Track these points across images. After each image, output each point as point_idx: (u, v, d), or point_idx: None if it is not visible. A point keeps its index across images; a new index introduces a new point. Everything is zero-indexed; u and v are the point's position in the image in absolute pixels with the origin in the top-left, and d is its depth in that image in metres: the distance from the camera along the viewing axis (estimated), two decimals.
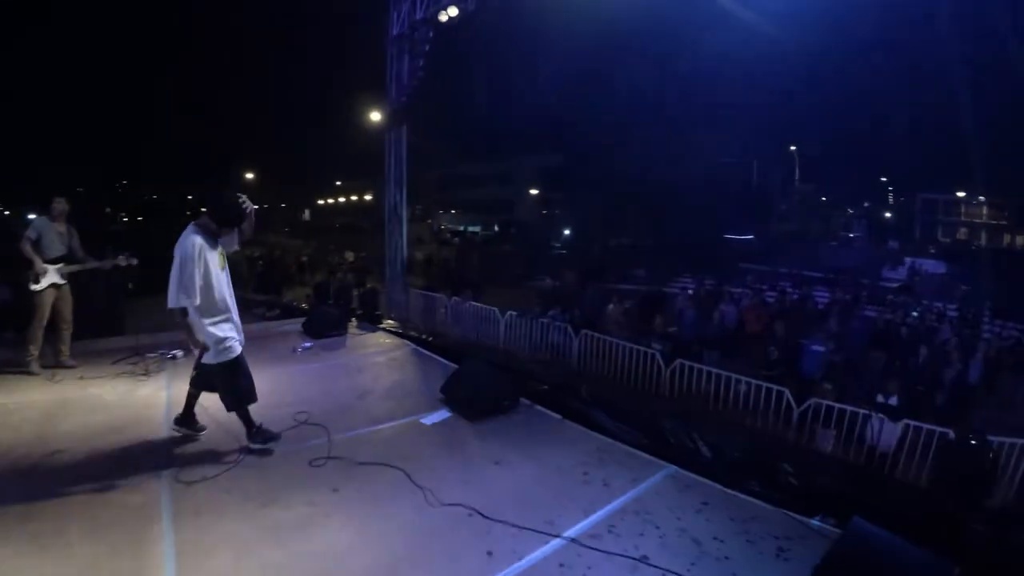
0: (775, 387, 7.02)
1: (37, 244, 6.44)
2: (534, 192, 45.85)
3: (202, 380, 4.83)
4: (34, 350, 6.56)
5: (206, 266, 4.39)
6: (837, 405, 6.73)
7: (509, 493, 4.07)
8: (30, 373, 6.52)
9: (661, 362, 8.11)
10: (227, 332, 4.59)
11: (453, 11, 8.48)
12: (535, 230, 38.87)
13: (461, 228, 48.22)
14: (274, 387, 6.27)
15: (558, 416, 5.60)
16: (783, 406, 6.92)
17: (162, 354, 7.27)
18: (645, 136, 31.80)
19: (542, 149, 40.05)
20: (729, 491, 4.21)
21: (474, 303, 11.03)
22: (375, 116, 11.00)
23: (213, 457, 4.64)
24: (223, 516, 3.79)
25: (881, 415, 6.45)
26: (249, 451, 4.68)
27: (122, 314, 8.92)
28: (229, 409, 4.69)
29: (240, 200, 4.53)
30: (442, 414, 5.57)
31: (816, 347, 8.53)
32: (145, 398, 6.00)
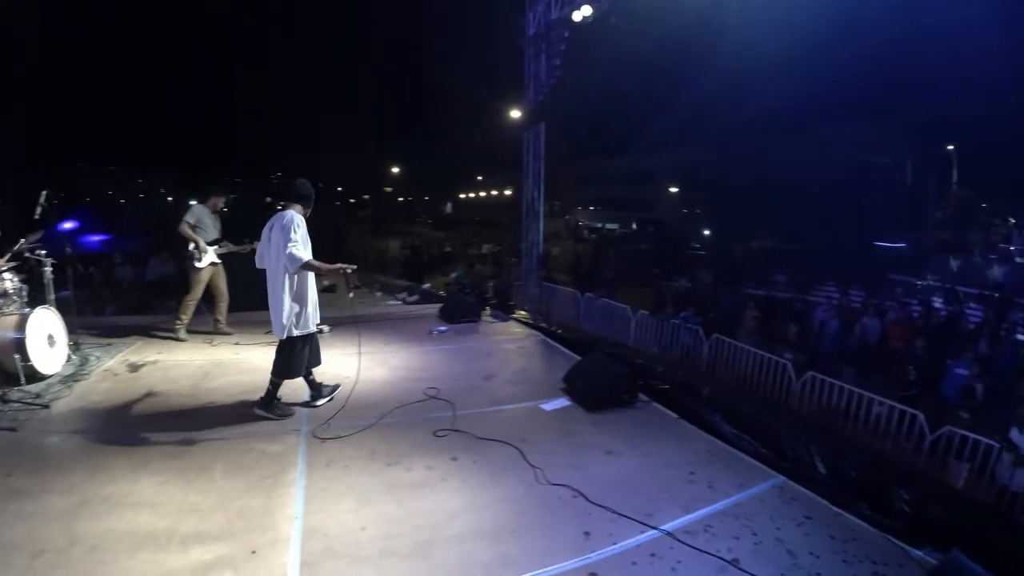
0: (909, 410, 6.60)
1: (195, 227, 7.37)
2: (674, 190, 44.68)
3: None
4: (184, 319, 7.55)
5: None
6: (972, 436, 6.16)
7: (614, 482, 4.18)
8: (178, 339, 7.52)
9: (792, 373, 7.83)
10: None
11: (587, 10, 8.57)
12: (673, 229, 37.78)
13: (598, 225, 47.72)
14: (409, 363, 6.83)
15: (674, 415, 5.61)
16: (915, 431, 6.49)
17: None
18: (793, 132, 30.02)
19: (684, 146, 38.68)
20: (836, 509, 4.08)
21: (606, 300, 11.10)
22: (515, 114, 11.24)
23: (348, 420, 5.11)
24: (350, 470, 4.23)
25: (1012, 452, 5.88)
26: (255, 414, 5.16)
27: None
28: (282, 377, 5.17)
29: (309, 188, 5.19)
30: (562, 402, 5.75)
31: (960, 370, 7.89)
32: None
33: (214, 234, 7.55)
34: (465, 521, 3.61)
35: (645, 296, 13.90)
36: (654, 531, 3.59)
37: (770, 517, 3.88)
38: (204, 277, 7.47)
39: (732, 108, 30.88)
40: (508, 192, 52.89)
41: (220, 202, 7.67)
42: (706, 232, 36.56)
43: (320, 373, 5.97)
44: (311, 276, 5.13)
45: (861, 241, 24.44)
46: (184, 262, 7.60)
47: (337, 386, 5.65)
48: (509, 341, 8.16)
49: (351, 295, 5.91)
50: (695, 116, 32.35)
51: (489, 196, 62.96)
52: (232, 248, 7.58)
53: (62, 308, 6.65)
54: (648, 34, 10.11)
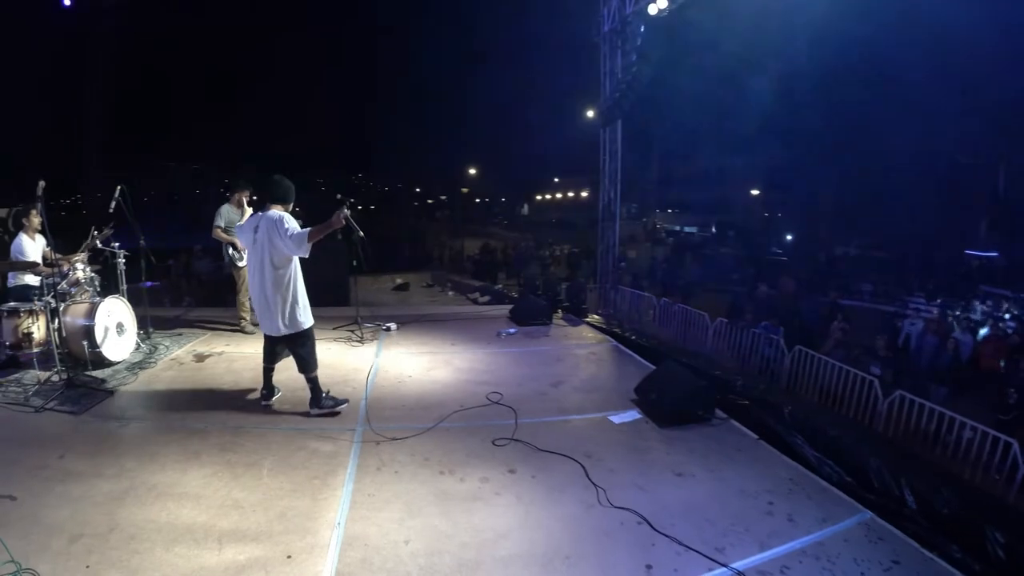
0: (1003, 437, 5.86)
1: (227, 229, 7.37)
2: (755, 193, 42.99)
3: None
4: (246, 315, 7.68)
5: None
6: None
7: (683, 508, 3.80)
8: (245, 332, 7.68)
9: (879, 391, 7.19)
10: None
11: (663, 3, 8.17)
12: (754, 233, 36.32)
13: (676, 228, 46.50)
14: (474, 365, 6.59)
15: (754, 435, 5.14)
16: (1009, 461, 5.76)
17: (378, 325, 8.00)
18: (880, 133, 28.30)
19: (766, 146, 37.02)
20: (927, 553, 3.58)
21: (683, 305, 10.63)
22: (591, 113, 10.92)
23: (405, 422, 4.93)
24: (400, 476, 4.01)
25: None
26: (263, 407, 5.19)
27: (347, 287, 9.82)
28: (313, 370, 5.07)
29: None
30: (632, 414, 5.38)
31: None
32: (355, 361, 6.59)
33: None
34: (516, 542, 3.31)
35: (724, 303, 13.34)
36: (724, 569, 3.20)
37: (855, 560, 3.41)
38: (245, 275, 7.40)
39: (816, 106, 29.33)
40: (585, 194, 52.42)
41: (245, 196, 7.57)
42: (788, 237, 34.81)
43: (383, 370, 5.88)
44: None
45: (950, 249, 22.83)
46: (225, 264, 7.74)
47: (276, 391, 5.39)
48: (580, 346, 7.84)
49: (361, 234, 5.69)
50: (777, 114, 30.79)
51: (565, 198, 62.53)
52: None
53: (136, 298, 6.80)
54: (727, 27, 9.57)
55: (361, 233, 5.71)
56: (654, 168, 43.68)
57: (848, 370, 7.56)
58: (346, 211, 4.77)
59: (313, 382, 5.05)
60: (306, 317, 4.98)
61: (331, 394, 5.17)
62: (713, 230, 42.84)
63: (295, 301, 4.91)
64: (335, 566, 3.07)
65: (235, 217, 7.40)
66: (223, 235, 7.37)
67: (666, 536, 3.43)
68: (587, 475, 4.12)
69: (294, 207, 5.07)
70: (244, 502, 3.64)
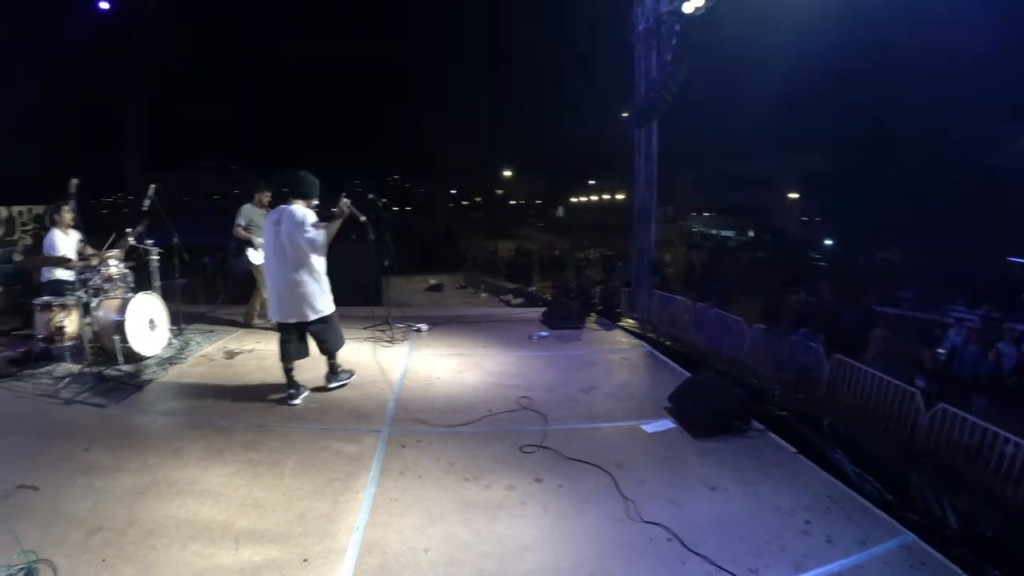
0: None
1: (248, 227, 7.48)
2: (794, 196, 41.99)
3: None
4: (253, 309, 7.89)
5: None
6: None
7: (716, 525, 3.62)
8: (251, 327, 7.85)
9: (921, 403, 6.87)
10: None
11: (699, 1, 7.94)
12: (793, 238, 35.41)
13: (713, 232, 45.65)
14: (505, 368, 6.46)
15: (792, 449, 4.91)
16: None
17: (409, 326, 7.91)
18: (924, 134, 27.32)
19: (806, 149, 35.95)
20: None
21: (719, 310, 10.37)
22: (625, 115, 10.71)
23: (432, 424, 4.84)
24: (424, 481, 3.91)
25: None
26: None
27: (379, 287, 9.79)
28: (335, 353, 5.50)
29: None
30: (665, 423, 5.19)
31: None
32: (385, 362, 6.52)
33: None
34: (539, 555, 3.18)
35: (761, 308, 12.99)
36: None
37: None
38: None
39: (858, 108, 28.52)
40: (620, 196, 51.92)
41: (266, 197, 7.70)
42: (827, 242, 33.84)
43: (411, 371, 5.85)
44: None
45: (992, 256, 21.92)
46: (244, 261, 7.81)
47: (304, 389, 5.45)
48: (613, 351, 7.66)
49: (363, 218, 5.71)
50: (816, 116, 29.91)
51: (601, 200, 61.95)
52: None
53: (170, 295, 6.85)
54: (765, 26, 9.29)
55: (363, 218, 5.71)
56: (690, 170, 42.88)
57: (889, 381, 7.27)
58: (344, 198, 5.10)
59: (334, 361, 5.53)
60: (329, 303, 5.26)
61: (342, 371, 5.63)
62: (750, 234, 41.91)
63: (320, 288, 5.17)
64: (351, 572, 2.99)
65: (256, 217, 7.45)
66: (243, 233, 7.47)
67: (697, 554, 3.26)
68: (617, 486, 3.96)
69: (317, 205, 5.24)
70: (264, 502, 3.60)
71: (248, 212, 7.52)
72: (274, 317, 5.32)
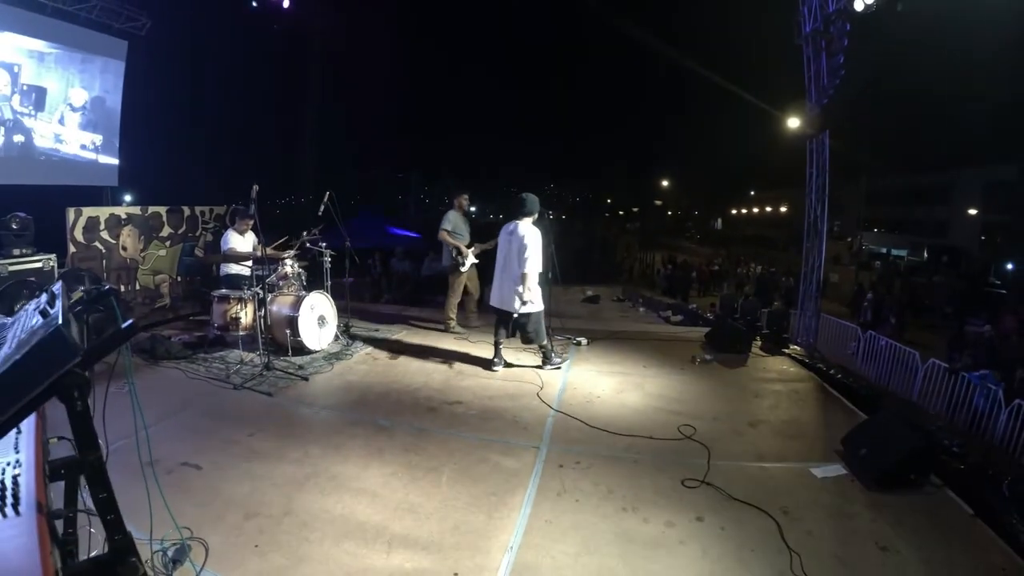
0: None
1: (453, 233, 7.69)
2: (973, 212, 37.07)
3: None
4: (452, 315, 7.99)
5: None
6: None
7: None
8: (449, 332, 7.92)
9: None
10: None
11: None
12: (974, 260, 31.42)
13: (884, 250, 41.48)
14: (666, 392, 6.11)
15: (970, 510, 4.22)
16: None
17: (568, 339, 7.78)
18: None
19: (990, 159, 31.35)
20: None
21: (890, 340, 9.36)
22: (793, 122, 9.89)
23: (592, 445, 4.65)
24: (581, 506, 3.72)
25: None
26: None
27: (543, 297, 9.79)
28: (540, 341, 6.48)
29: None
30: (836, 469, 4.65)
31: None
32: (544, 375, 6.40)
33: (468, 237, 7.84)
34: None
35: (938, 340, 11.59)
36: None
37: None
38: (464, 279, 7.83)
39: None
40: (783, 209, 49.16)
41: (464, 200, 7.97)
42: (1009, 266, 29.54)
43: (571, 387, 5.94)
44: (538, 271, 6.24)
45: None
46: (445, 266, 8.02)
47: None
48: (781, 381, 7.08)
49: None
50: (1004, 121, 26.12)
51: (762, 212, 59.00)
52: (483, 247, 7.82)
53: (339, 293, 7.18)
54: (944, 22, 8.22)
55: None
56: (862, 182, 39.16)
57: None
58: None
59: (544, 348, 6.53)
60: (532, 305, 6.25)
61: (555, 356, 6.62)
62: (925, 254, 37.73)
63: (526, 291, 6.15)
64: None
65: (460, 222, 7.75)
66: (449, 238, 7.71)
67: None
68: (782, 535, 3.54)
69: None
70: (419, 508, 3.58)
71: (454, 218, 7.80)
72: (493, 303, 6.48)
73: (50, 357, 1.41)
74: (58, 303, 1.74)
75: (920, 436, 4.67)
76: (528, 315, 6.28)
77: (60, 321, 1.51)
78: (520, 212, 6.26)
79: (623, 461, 4.39)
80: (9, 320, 2.13)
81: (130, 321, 1.63)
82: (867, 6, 7.27)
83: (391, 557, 3.08)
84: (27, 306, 2.04)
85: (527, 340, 6.47)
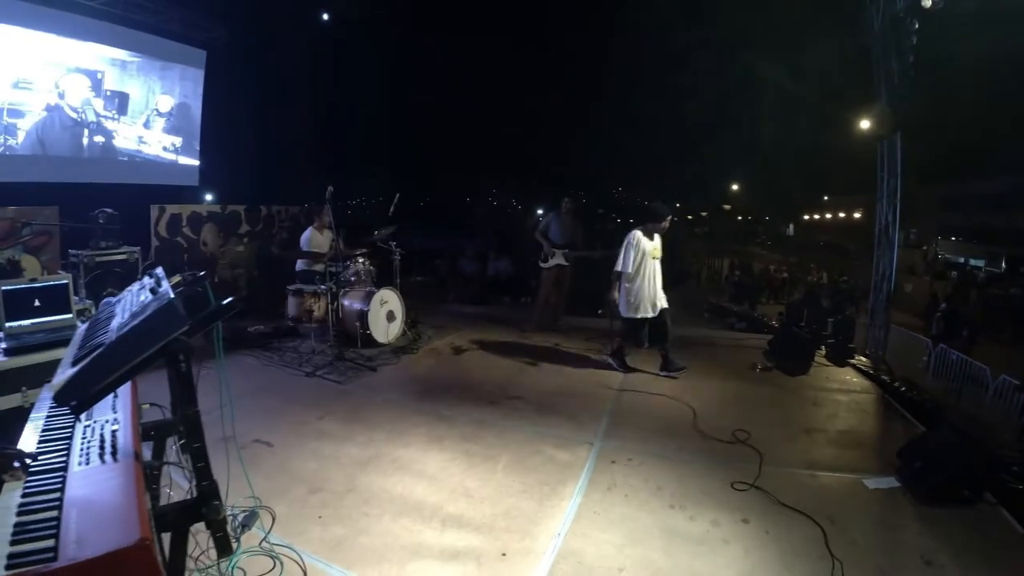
0: None
1: (545, 232, 8.07)
2: None
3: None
4: (534, 315, 8.36)
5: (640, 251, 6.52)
6: None
7: None
8: (525, 331, 8.19)
9: None
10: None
11: None
12: None
13: (960, 260, 39.04)
14: (722, 396, 6.16)
15: (1021, 531, 4.14)
16: None
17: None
18: None
19: None
20: None
21: (962, 355, 9.07)
22: (864, 124, 9.59)
23: (644, 444, 4.75)
24: (629, 500, 3.84)
25: None
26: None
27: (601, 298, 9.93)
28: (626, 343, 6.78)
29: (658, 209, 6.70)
30: (889, 480, 4.60)
31: None
32: (603, 375, 6.55)
33: (563, 238, 8.09)
34: None
35: (1013, 356, 11.05)
36: None
37: None
38: (548, 277, 8.17)
39: None
40: (857, 215, 47.22)
41: (568, 203, 8.26)
42: None
43: (629, 387, 6.12)
44: (647, 279, 6.51)
45: None
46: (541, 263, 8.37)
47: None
48: (841, 391, 6.99)
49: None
50: None
51: (836, 218, 56.72)
52: (578, 253, 8.17)
53: (407, 290, 7.56)
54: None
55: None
56: (938, 188, 37.11)
57: None
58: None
59: (620, 345, 6.78)
60: (630, 312, 6.54)
61: (626, 362, 6.71)
62: (1003, 264, 35.51)
63: (625, 297, 6.52)
64: (545, 575, 3.02)
65: (555, 225, 8.16)
66: (539, 236, 8.19)
67: None
68: (826, 543, 3.54)
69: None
70: (474, 492, 3.77)
71: (549, 218, 8.32)
72: (638, 314, 6.55)
73: (164, 324, 1.68)
74: (164, 283, 2.03)
75: (976, 452, 4.58)
76: (625, 319, 6.64)
77: (172, 296, 1.78)
78: (640, 221, 6.73)
79: (674, 461, 4.48)
80: (114, 299, 2.47)
81: (230, 299, 1.87)
82: (935, 3, 7.08)
83: (444, 535, 3.28)
84: (131, 288, 2.36)
85: (659, 337, 6.62)
